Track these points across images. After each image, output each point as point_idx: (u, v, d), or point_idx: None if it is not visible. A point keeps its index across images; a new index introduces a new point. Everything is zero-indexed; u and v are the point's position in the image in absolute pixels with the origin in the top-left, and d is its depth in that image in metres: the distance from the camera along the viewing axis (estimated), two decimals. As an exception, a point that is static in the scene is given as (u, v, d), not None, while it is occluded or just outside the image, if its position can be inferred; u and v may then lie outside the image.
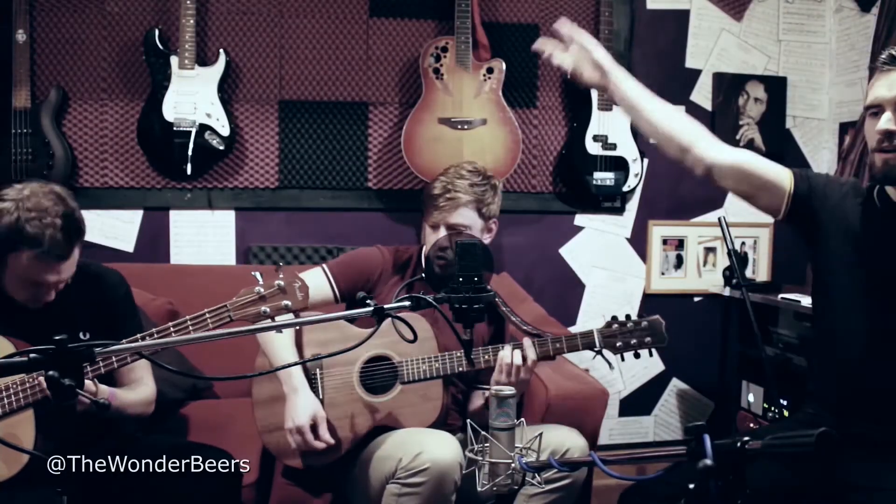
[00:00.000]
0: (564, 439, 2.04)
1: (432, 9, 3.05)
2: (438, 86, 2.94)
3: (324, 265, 2.25)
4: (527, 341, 2.09)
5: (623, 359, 2.13)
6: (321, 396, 2.09)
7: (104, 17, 2.86)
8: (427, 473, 1.86)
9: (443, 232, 2.22)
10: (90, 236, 2.78)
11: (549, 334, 2.23)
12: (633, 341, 2.09)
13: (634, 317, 2.12)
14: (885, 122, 1.59)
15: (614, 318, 2.13)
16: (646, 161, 3.19)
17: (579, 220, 3.26)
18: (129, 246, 2.92)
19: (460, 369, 2.08)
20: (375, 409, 2.09)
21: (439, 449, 1.89)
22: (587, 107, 3.10)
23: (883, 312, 1.66)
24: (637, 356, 2.13)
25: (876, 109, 1.63)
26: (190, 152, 2.78)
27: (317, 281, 2.16)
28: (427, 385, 2.09)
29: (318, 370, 2.11)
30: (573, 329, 3.14)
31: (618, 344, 2.10)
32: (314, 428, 2.02)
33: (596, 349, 2.10)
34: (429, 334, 2.11)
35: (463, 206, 2.22)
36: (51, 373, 1.13)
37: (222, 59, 2.83)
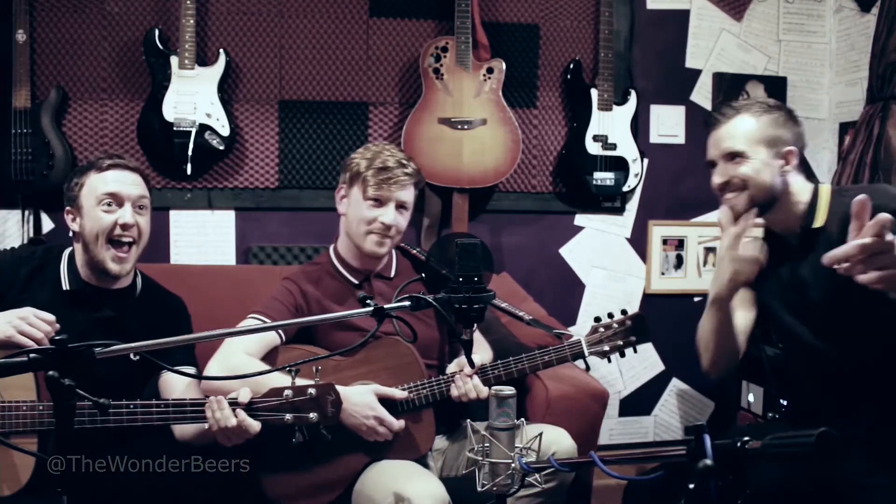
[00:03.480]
0: (552, 440, 2.03)
1: (432, 9, 3.05)
2: (438, 86, 2.94)
3: (252, 314, 2.07)
4: (476, 381, 2.02)
5: (609, 360, 2.14)
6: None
7: (104, 17, 2.86)
8: None
9: (392, 210, 2.12)
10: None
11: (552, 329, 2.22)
12: (620, 342, 2.10)
13: (617, 315, 2.11)
14: (715, 176, 1.87)
15: (597, 319, 2.12)
16: (646, 161, 3.19)
17: (579, 220, 3.26)
18: (129, 246, 2.91)
19: (448, 395, 2.02)
20: (370, 443, 1.99)
21: (425, 502, 1.79)
22: (587, 107, 3.10)
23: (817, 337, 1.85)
24: (622, 355, 2.13)
25: (712, 166, 1.89)
26: (190, 152, 2.78)
27: (262, 339, 2.02)
28: (418, 412, 2.04)
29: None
30: (573, 329, 3.14)
31: (605, 348, 2.09)
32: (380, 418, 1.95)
33: (585, 356, 2.10)
34: (411, 359, 2.06)
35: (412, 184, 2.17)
36: (51, 373, 1.13)
37: (222, 59, 2.83)
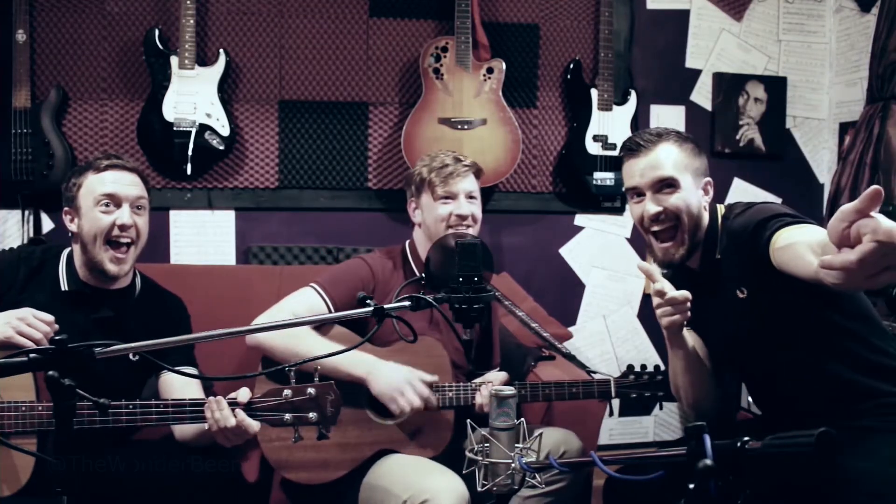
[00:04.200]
0: (560, 441, 2.04)
1: (432, 9, 3.05)
2: (438, 86, 2.94)
3: (314, 284, 2.13)
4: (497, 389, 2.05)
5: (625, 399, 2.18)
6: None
7: (104, 17, 2.86)
8: None
9: (464, 201, 2.18)
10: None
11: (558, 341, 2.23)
12: (647, 394, 2.14)
13: (650, 368, 2.16)
14: (649, 206, 1.77)
15: (630, 368, 2.16)
16: (646, 161, 3.19)
17: (579, 220, 3.26)
18: (129, 246, 2.91)
19: (472, 402, 2.03)
20: (383, 432, 2.04)
21: (446, 500, 1.81)
22: (587, 107, 3.10)
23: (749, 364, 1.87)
24: (638, 398, 2.17)
25: (637, 197, 1.82)
26: (190, 152, 2.78)
27: (311, 301, 2.09)
28: (438, 413, 2.05)
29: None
30: (573, 329, 3.14)
31: (632, 395, 2.14)
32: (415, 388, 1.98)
33: (612, 397, 2.14)
34: (443, 360, 2.08)
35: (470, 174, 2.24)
36: (51, 373, 1.12)
37: (222, 59, 2.83)
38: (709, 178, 1.83)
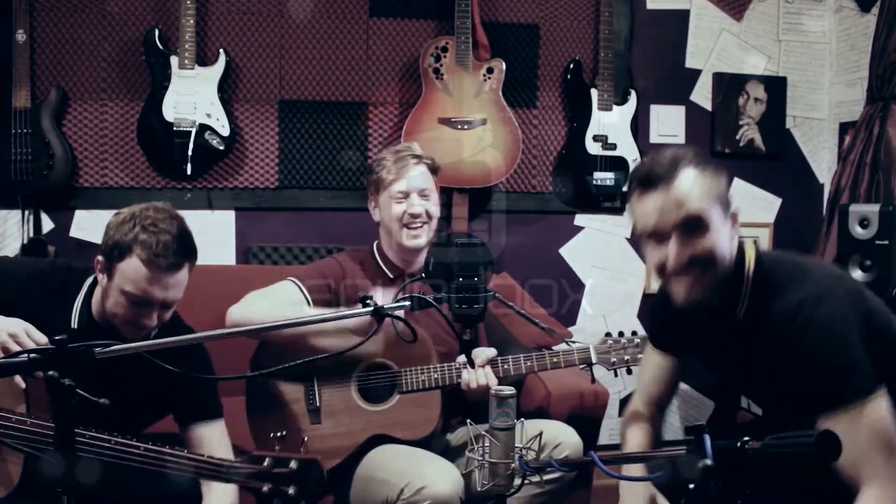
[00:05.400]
0: (558, 434, 2.04)
1: (432, 9, 3.05)
2: (438, 86, 2.94)
3: (293, 278, 2.20)
4: (487, 370, 2.05)
5: (616, 374, 2.17)
6: (318, 404, 2.09)
7: (104, 17, 2.86)
8: None
9: (416, 199, 2.18)
10: (90, 237, 2.81)
11: (555, 334, 2.23)
12: (627, 357, 2.13)
13: (628, 334, 2.15)
14: (676, 252, 1.45)
15: (608, 335, 2.16)
16: (646, 161, 3.19)
17: (579, 220, 3.26)
18: (129, 246, 2.91)
19: (458, 380, 2.06)
20: (372, 418, 2.08)
21: (442, 485, 1.86)
22: (587, 107, 3.10)
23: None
24: (629, 372, 2.16)
25: (656, 241, 1.49)
26: (190, 152, 2.78)
27: (292, 295, 2.14)
28: (424, 395, 2.08)
29: (314, 377, 2.10)
30: (573, 329, 3.14)
31: (612, 360, 2.13)
32: None
33: (592, 363, 2.13)
34: (427, 343, 2.10)
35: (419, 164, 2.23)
36: (51, 373, 1.12)
37: (222, 59, 2.83)
38: (736, 208, 1.53)
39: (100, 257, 1.76)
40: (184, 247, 1.79)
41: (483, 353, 2.09)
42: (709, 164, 1.49)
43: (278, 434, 1.57)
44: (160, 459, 1.60)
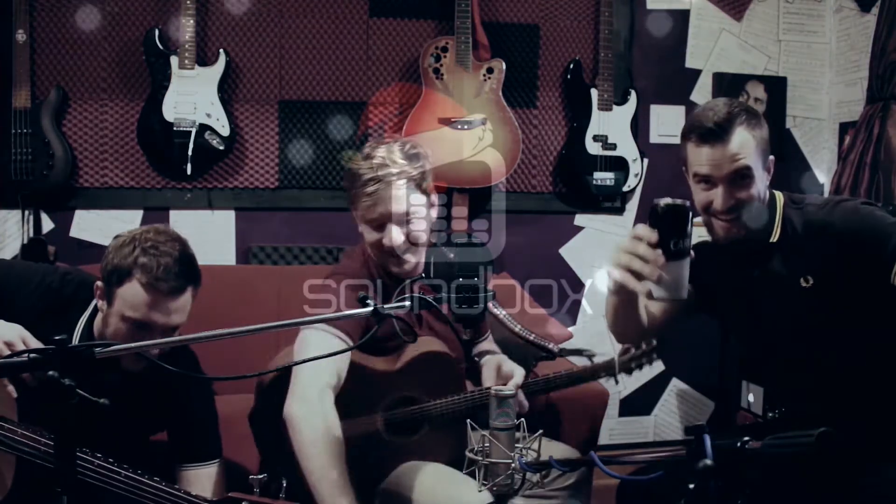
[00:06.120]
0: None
1: (432, 9, 3.05)
2: (438, 86, 2.94)
3: (328, 330, 1.77)
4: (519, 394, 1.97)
5: (630, 374, 2.18)
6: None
7: (104, 17, 2.85)
8: None
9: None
10: (90, 236, 2.81)
11: (551, 342, 2.24)
12: (644, 361, 2.14)
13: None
14: (721, 199, 1.69)
15: (626, 349, 2.17)
16: (646, 161, 3.19)
17: (579, 220, 3.26)
18: (129, 246, 2.91)
19: (485, 402, 1.97)
20: (402, 448, 1.92)
21: None
22: (587, 107, 3.10)
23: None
24: (640, 369, 2.16)
25: (705, 183, 1.71)
26: (190, 152, 2.78)
27: (331, 344, 1.75)
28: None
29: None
30: (573, 329, 3.14)
31: (632, 366, 2.14)
32: None
33: (616, 375, 2.15)
34: (455, 365, 1.97)
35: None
36: (51, 373, 1.12)
37: (222, 59, 2.83)
38: (772, 157, 1.75)
39: (99, 283, 1.69)
40: (186, 270, 1.70)
41: (511, 378, 1.98)
42: (758, 121, 1.70)
43: (258, 477, 1.47)
44: (139, 488, 1.55)
